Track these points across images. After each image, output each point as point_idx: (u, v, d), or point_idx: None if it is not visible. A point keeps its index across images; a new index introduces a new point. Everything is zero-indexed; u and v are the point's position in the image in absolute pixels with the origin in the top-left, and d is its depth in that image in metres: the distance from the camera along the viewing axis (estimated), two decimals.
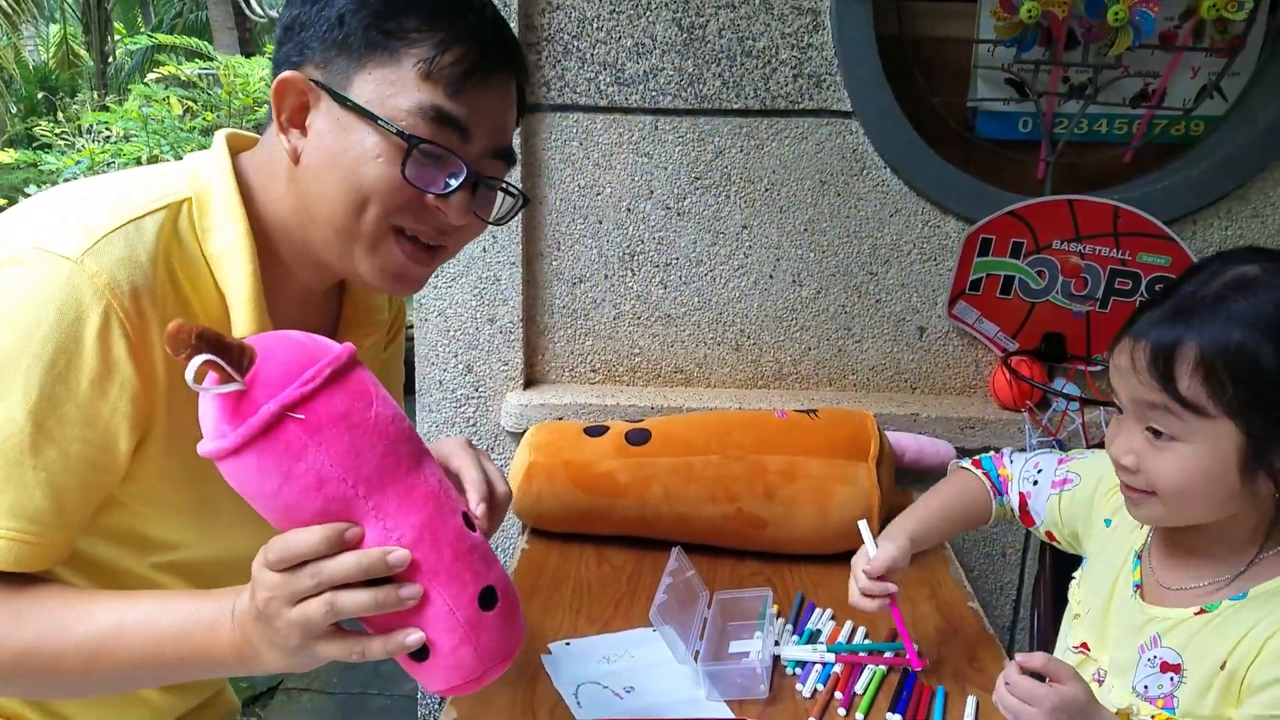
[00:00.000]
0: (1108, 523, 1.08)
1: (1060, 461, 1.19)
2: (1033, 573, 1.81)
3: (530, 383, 1.82)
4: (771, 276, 1.77)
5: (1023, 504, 1.20)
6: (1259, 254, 0.87)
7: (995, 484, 1.24)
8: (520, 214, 1.70)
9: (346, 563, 0.69)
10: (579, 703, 1.13)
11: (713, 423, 1.54)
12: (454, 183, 0.82)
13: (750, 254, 1.76)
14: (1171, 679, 0.90)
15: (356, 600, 0.70)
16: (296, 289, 0.90)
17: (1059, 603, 1.31)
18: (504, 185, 0.89)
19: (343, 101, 0.79)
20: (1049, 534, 1.19)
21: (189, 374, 0.65)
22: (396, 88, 0.79)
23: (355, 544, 0.71)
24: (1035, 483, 1.19)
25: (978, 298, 1.75)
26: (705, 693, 1.15)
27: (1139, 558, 1.01)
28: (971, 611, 1.36)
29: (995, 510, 1.24)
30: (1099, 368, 1.77)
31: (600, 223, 1.75)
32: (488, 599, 0.75)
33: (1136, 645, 0.94)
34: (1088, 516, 1.12)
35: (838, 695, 1.15)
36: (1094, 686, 0.97)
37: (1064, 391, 1.65)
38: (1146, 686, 0.92)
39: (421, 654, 0.74)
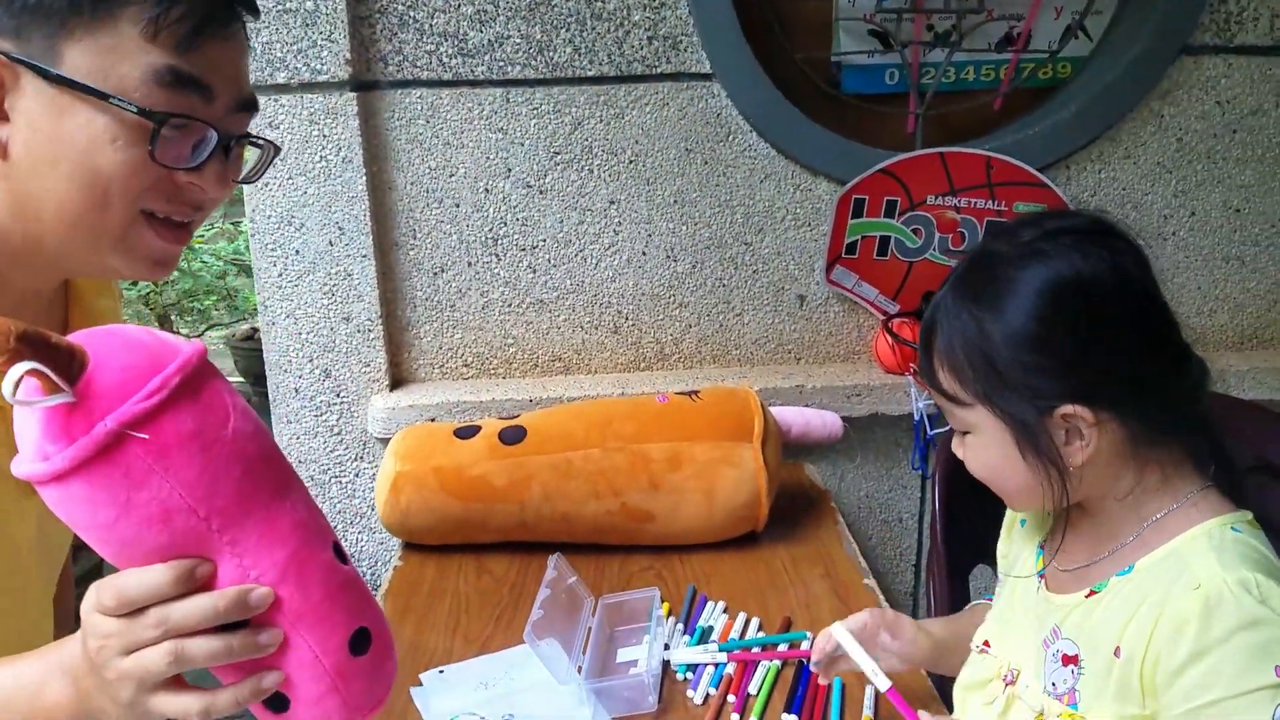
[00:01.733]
0: (1022, 523, 1.02)
1: None
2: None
3: (397, 383, 1.70)
4: (644, 253, 1.68)
5: None
6: (1031, 225, 0.82)
7: None
8: (367, 203, 1.58)
9: (197, 606, 0.59)
10: None
11: (590, 413, 1.45)
12: (205, 152, 0.71)
13: (620, 230, 1.67)
14: (1073, 671, 0.83)
15: (207, 647, 0.59)
16: (15, 295, 0.77)
17: (953, 573, 1.27)
18: (252, 139, 0.79)
19: (54, 79, 0.66)
20: None
21: (7, 385, 0.53)
22: (118, 54, 0.67)
23: (206, 582, 0.60)
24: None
25: (854, 261, 1.70)
26: (591, 712, 1.08)
27: (1041, 547, 0.95)
28: (868, 590, 1.31)
29: None
30: None
31: (458, 206, 1.63)
32: (360, 642, 0.65)
33: (1040, 640, 0.87)
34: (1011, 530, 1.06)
35: (730, 699, 1.09)
36: (1001, 693, 0.90)
37: None
38: (1055, 684, 0.85)
39: (278, 703, 0.64)
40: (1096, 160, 1.70)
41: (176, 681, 0.62)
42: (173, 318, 3.93)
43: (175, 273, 3.93)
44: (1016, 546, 1.01)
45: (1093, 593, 0.84)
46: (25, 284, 0.77)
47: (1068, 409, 0.77)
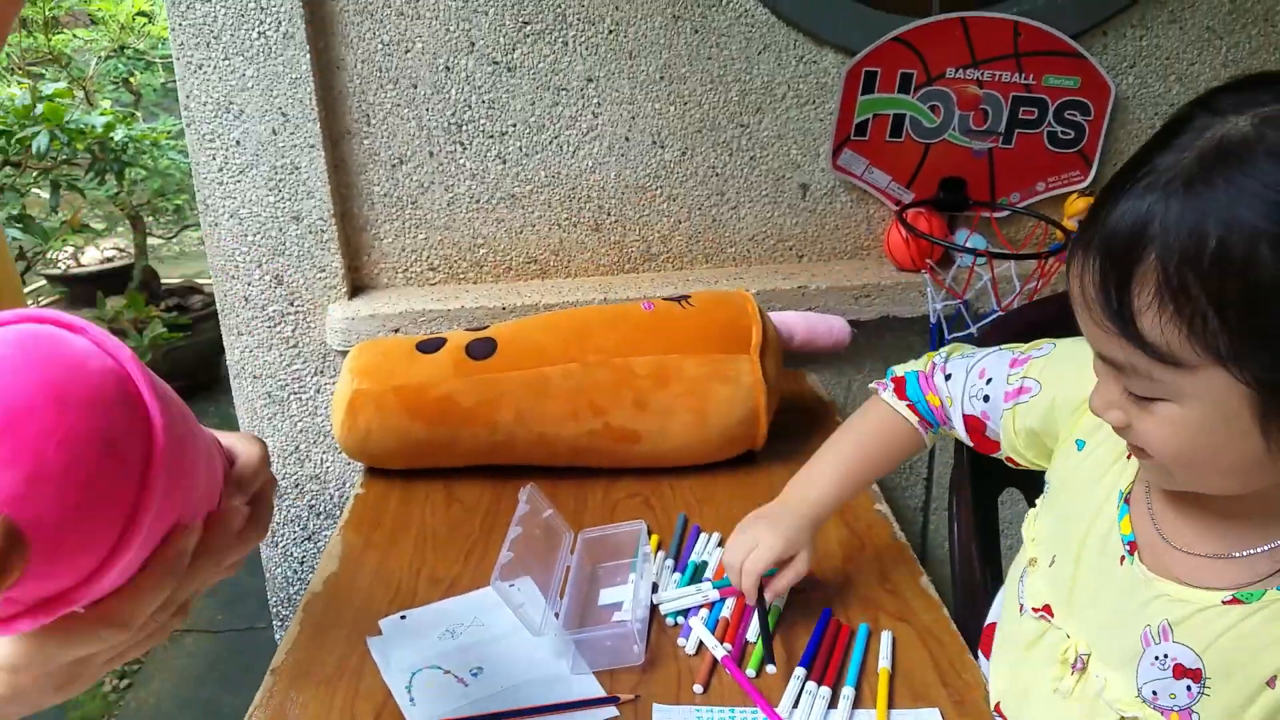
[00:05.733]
0: (1080, 445, 0.80)
1: (1013, 364, 0.90)
2: (943, 465, 1.65)
3: (357, 290, 1.53)
4: (627, 139, 1.49)
5: (977, 429, 0.94)
6: (1264, 86, 0.56)
7: (926, 417, 1.00)
8: (313, 85, 1.38)
9: None
10: (412, 698, 0.93)
11: (567, 324, 1.30)
12: None
13: (600, 113, 1.47)
14: (1190, 688, 0.65)
15: None
16: None
17: (979, 512, 1.14)
18: None
19: None
20: (1010, 460, 0.93)
21: None
22: None
23: None
24: (987, 398, 0.91)
25: (865, 144, 1.51)
26: (570, 664, 0.96)
27: (1126, 501, 0.73)
28: (879, 515, 1.18)
29: (929, 440, 1.02)
30: (1005, 213, 1.57)
31: (415, 87, 1.44)
32: None
33: (1139, 632, 0.69)
34: (1053, 431, 0.85)
35: (726, 648, 0.97)
36: (1070, 677, 0.73)
37: (967, 245, 1.45)
38: (1155, 693, 0.67)
39: None
40: (1138, 25, 1.50)
41: None
42: (145, 219, 3.71)
43: (143, 171, 3.73)
44: (1068, 470, 0.81)
45: (1237, 600, 0.64)
46: None
47: None
